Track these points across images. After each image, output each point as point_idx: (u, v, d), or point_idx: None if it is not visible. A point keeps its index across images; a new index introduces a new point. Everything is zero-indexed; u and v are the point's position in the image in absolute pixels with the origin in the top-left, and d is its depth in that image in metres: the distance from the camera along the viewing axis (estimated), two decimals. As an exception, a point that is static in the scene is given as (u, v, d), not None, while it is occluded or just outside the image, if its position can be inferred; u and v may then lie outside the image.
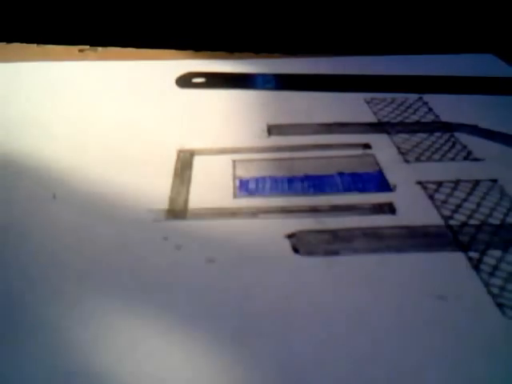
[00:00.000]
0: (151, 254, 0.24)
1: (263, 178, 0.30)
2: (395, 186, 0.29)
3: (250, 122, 0.36)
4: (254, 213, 0.27)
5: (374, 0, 0.51)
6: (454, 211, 0.27)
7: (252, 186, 0.29)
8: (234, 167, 0.31)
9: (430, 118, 0.37)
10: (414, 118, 0.37)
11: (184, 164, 0.31)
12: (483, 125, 0.35)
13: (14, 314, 0.21)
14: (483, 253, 0.24)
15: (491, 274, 0.23)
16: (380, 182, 0.30)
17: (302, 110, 0.38)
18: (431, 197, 0.28)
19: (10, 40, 0.50)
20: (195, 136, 0.34)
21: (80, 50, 0.49)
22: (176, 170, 0.31)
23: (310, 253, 0.24)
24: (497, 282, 0.23)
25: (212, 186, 0.29)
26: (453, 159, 0.32)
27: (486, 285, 0.23)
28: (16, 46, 0.50)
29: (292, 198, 0.28)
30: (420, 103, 0.39)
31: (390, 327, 0.21)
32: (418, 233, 0.26)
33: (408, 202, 0.28)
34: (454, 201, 0.28)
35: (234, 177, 0.30)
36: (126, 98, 0.40)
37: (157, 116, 0.37)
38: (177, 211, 0.27)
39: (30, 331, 0.20)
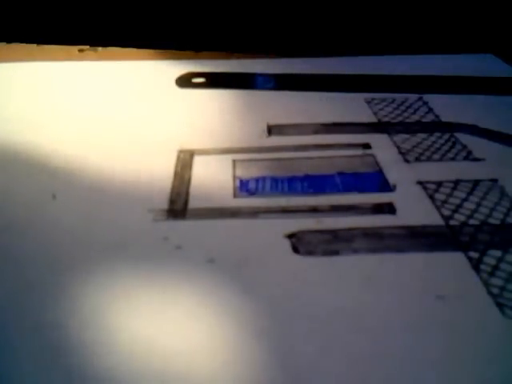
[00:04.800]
0: (151, 253, 0.24)
1: (263, 178, 0.30)
2: (395, 186, 0.29)
3: (250, 122, 0.36)
4: (254, 213, 0.27)
5: (375, 0, 0.51)
6: (454, 211, 0.27)
7: (252, 185, 0.29)
8: (234, 167, 0.31)
9: (430, 117, 0.37)
10: (414, 117, 0.37)
11: (184, 164, 0.31)
12: (483, 125, 0.35)
13: (13, 314, 0.21)
14: (483, 253, 0.24)
15: (491, 274, 0.23)
16: (380, 182, 0.30)
17: (302, 109, 0.38)
18: (431, 197, 0.28)
19: (10, 40, 0.50)
20: (195, 136, 0.34)
21: (80, 50, 0.49)
22: (176, 169, 0.31)
23: (310, 253, 0.24)
24: (497, 282, 0.23)
25: (212, 186, 0.29)
26: (453, 159, 0.32)
27: (486, 285, 0.23)
28: (16, 46, 0.50)
29: (292, 198, 0.28)
30: (420, 103, 0.39)
31: (389, 327, 0.21)
32: (418, 233, 0.26)
33: (408, 202, 0.28)
34: (454, 201, 0.28)
35: (234, 177, 0.30)
36: (125, 98, 0.40)
37: (157, 116, 0.37)
38: (177, 211, 0.27)
39: (29, 332, 0.20)
